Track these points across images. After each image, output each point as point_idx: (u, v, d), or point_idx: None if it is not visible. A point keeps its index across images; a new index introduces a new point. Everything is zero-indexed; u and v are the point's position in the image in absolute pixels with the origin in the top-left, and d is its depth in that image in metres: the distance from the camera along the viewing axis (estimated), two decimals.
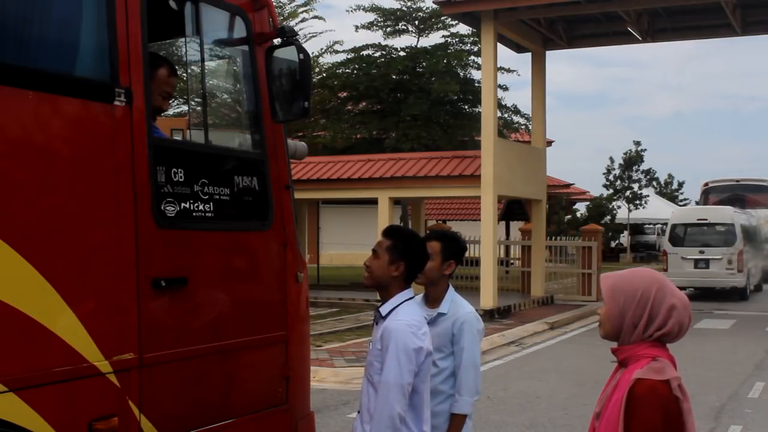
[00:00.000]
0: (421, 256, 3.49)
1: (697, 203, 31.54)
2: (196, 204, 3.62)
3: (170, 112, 19.95)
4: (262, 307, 4.06)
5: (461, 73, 22.62)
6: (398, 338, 3.27)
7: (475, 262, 18.87)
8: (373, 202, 18.04)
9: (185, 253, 3.57)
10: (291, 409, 4.14)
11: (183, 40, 4.23)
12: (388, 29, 23.19)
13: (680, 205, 42.58)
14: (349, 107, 23.70)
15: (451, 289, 3.82)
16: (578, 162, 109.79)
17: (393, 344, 3.26)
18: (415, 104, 21.25)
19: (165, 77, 3.78)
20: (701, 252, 20.72)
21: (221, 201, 3.77)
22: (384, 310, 3.41)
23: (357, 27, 24.31)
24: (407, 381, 3.24)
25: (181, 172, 3.57)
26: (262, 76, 4.05)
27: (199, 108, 4.47)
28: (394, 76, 22.18)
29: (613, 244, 40.38)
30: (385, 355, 3.28)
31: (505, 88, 23.59)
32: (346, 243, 29.71)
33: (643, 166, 40.88)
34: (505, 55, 34.13)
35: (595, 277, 19.64)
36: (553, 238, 21.78)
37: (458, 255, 3.81)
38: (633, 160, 40.36)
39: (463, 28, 21.73)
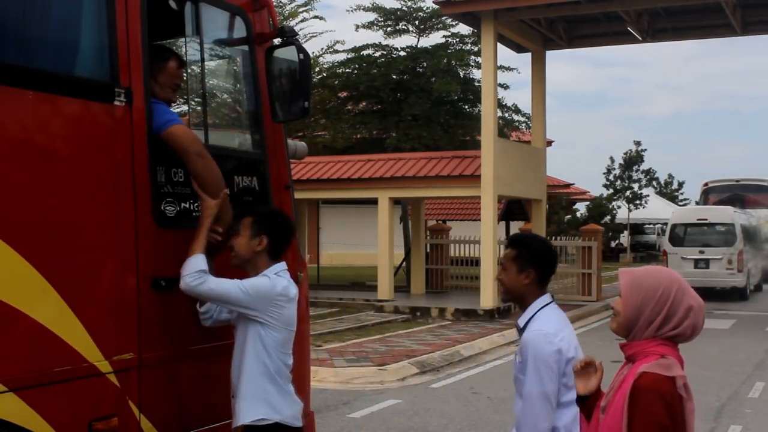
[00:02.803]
0: (548, 260, 3.39)
1: (697, 203, 31.53)
2: (196, 204, 3.62)
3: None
4: None
5: (462, 73, 22.61)
6: (535, 348, 3.17)
7: (475, 262, 18.87)
8: (373, 202, 18.04)
9: (185, 253, 3.56)
10: None
11: (183, 40, 4.23)
12: (389, 29, 23.18)
13: (680, 205, 42.57)
14: (349, 107, 23.68)
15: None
16: (578, 162, 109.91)
17: (531, 355, 3.17)
18: (415, 104, 21.24)
19: (174, 69, 3.73)
20: (701, 252, 20.72)
21: None
22: (521, 321, 3.32)
23: (357, 27, 24.33)
24: (550, 389, 3.13)
25: (181, 172, 3.57)
26: (262, 76, 4.05)
27: (199, 108, 4.47)
28: (394, 76, 22.17)
29: (613, 244, 40.40)
30: (525, 367, 3.19)
31: (505, 87, 23.59)
32: (346, 243, 29.71)
33: (643, 166, 40.90)
34: (506, 54, 34.13)
35: (594, 277, 19.64)
36: (553, 238, 21.79)
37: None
38: (633, 160, 40.36)
39: (463, 28, 21.72)
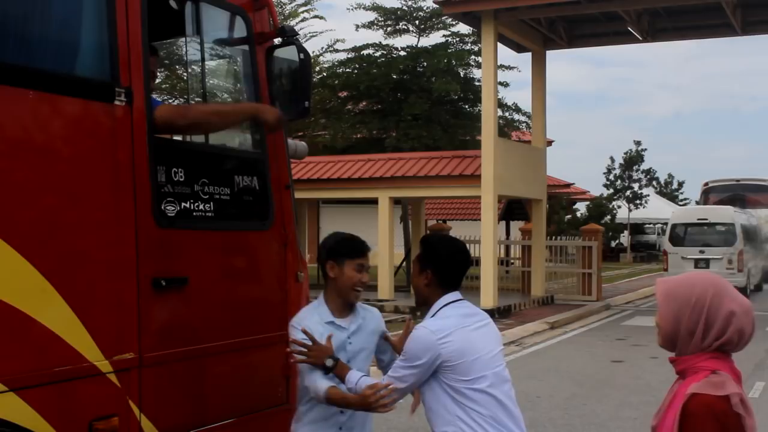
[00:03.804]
0: (449, 262, 3.34)
1: (698, 203, 31.54)
2: (197, 204, 3.62)
3: None
4: (263, 306, 4.06)
5: (462, 73, 22.62)
6: (411, 338, 3.23)
7: (476, 262, 18.88)
8: (373, 202, 18.04)
9: (185, 252, 3.57)
10: (291, 409, 4.14)
11: (183, 39, 4.23)
12: (389, 29, 23.21)
13: (680, 205, 42.60)
14: (350, 107, 23.69)
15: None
16: (578, 162, 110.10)
17: (406, 345, 3.24)
18: (415, 104, 21.25)
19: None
20: (701, 252, 20.74)
21: (221, 201, 3.77)
22: (424, 320, 3.33)
23: (357, 26, 24.45)
24: (405, 375, 3.21)
25: (181, 172, 3.57)
26: (263, 76, 4.05)
27: None
28: (394, 76, 22.17)
29: (613, 244, 40.42)
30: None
31: (505, 85, 23.59)
32: None
33: (643, 166, 40.93)
34: (506, 54, 34.10)
35: (595, 277, 19.65)
36: (553, 237, 21.79)
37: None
38: (633, 159, 40.39)
39: (463, 28, 21.74)
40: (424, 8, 22.63)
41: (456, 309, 3.31)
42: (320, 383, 3.33)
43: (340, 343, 3.49)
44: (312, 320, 3.48)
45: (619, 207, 39.08)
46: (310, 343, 3.33)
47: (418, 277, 3.36)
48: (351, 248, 3.57)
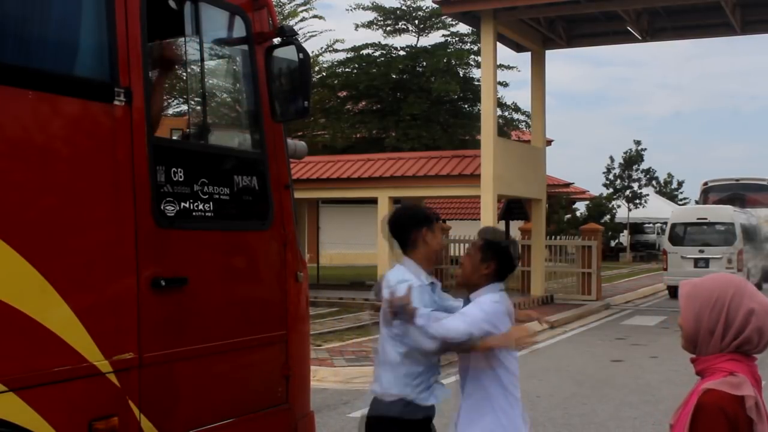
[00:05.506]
0: (511, 258, 3.71)
1: (697, 202, 31.52)
2: (196, 204, 3.62)
3: (170, 111, 19.97)
4: (262, 306, 4.07)
5: (461, 72, 22.65)
6: (481, 299, 3.61)
7: None
8: (373, 201, 18.04)
9: (185, 252, 3.57)
10: (291, 409, 4.14)
11: (183, 39, 4.23)
12: (388, 28, 23.25)
13: (680, 205, 42.58)
14: (349, 107, 23.73)
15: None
16: (578, 161, 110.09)
17: (476, 301, 3.60)
18: (415, 103, 21.27)
19: None
20: (701, 251, 20.72)
21: (221, 201, 3.77)
22: (473, 296, 3.68)
23: (357, 26, 24.50)
24: (481, 318, 3.50)
25: (181, 172, 3.57)
26: (262, 76, 4.05)
27: (198, 108, 4.48)
28: (394, 76, 22.20)
29: (612, 244, 40.42)
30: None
31: (504, 85, 23.62)
32: (346, 243, 29.71)
33: (643, 166, 40.92)
34: (506, 54, 34.10)
35: (594, 277, 19.64)
36: (553, 237, 21.79)
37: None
38: (633, 159, 40.38)
39: (463, 27, 21.77)
40: (424, 8, 22.69)
41: (504, 297, 3.69)
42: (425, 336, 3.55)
43: (432, 303, 3.76)
44: (414, 280, 3.69)
45: (619, 206, 39.08)
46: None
47: (480, 265, 3.66)
48: (434, 214, 3.94)
